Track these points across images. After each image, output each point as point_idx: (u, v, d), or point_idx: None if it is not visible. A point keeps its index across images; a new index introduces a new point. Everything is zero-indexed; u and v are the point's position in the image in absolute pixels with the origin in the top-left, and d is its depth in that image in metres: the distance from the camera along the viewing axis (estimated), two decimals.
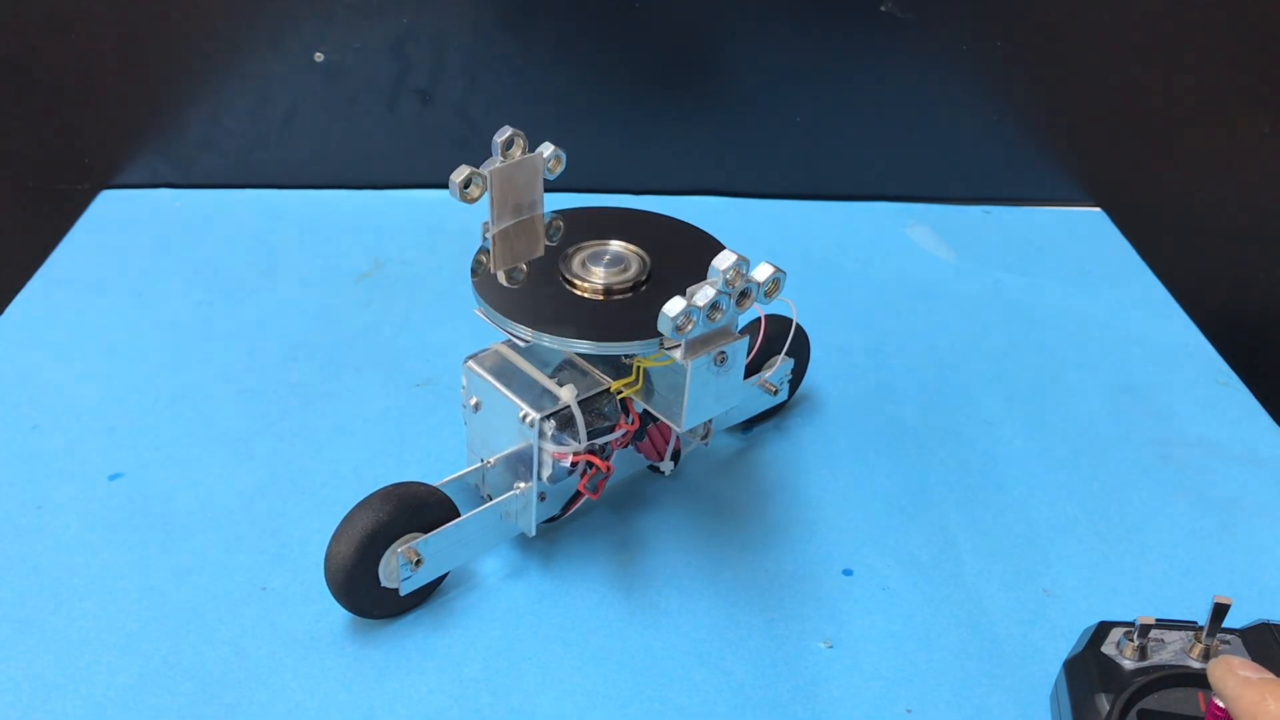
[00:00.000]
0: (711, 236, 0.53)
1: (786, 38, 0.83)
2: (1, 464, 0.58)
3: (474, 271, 0.50)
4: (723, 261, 0.43)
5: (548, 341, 0.47)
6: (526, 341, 0.48)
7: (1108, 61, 0.84)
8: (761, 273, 0.45)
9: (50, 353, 0.67)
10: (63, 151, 0.85)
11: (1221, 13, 0.81)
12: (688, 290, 0.43)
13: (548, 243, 0.52)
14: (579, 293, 0.50)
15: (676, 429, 0.48)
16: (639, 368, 0.48)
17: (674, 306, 0.42)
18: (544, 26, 0.82)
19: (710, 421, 0.56)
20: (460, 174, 0.48)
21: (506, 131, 0.49)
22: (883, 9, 0.81)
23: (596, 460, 0.49)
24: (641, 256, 0.51)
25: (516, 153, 0.50)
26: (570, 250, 0.51)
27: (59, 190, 0.86)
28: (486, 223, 0.52)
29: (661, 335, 0.45)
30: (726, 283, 0.43)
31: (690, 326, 0.43)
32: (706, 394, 0.46)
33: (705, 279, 0.44)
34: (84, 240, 0.80)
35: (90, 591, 0.51)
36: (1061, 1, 0.81)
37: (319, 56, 0.82)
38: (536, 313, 0.48)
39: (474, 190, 0.49)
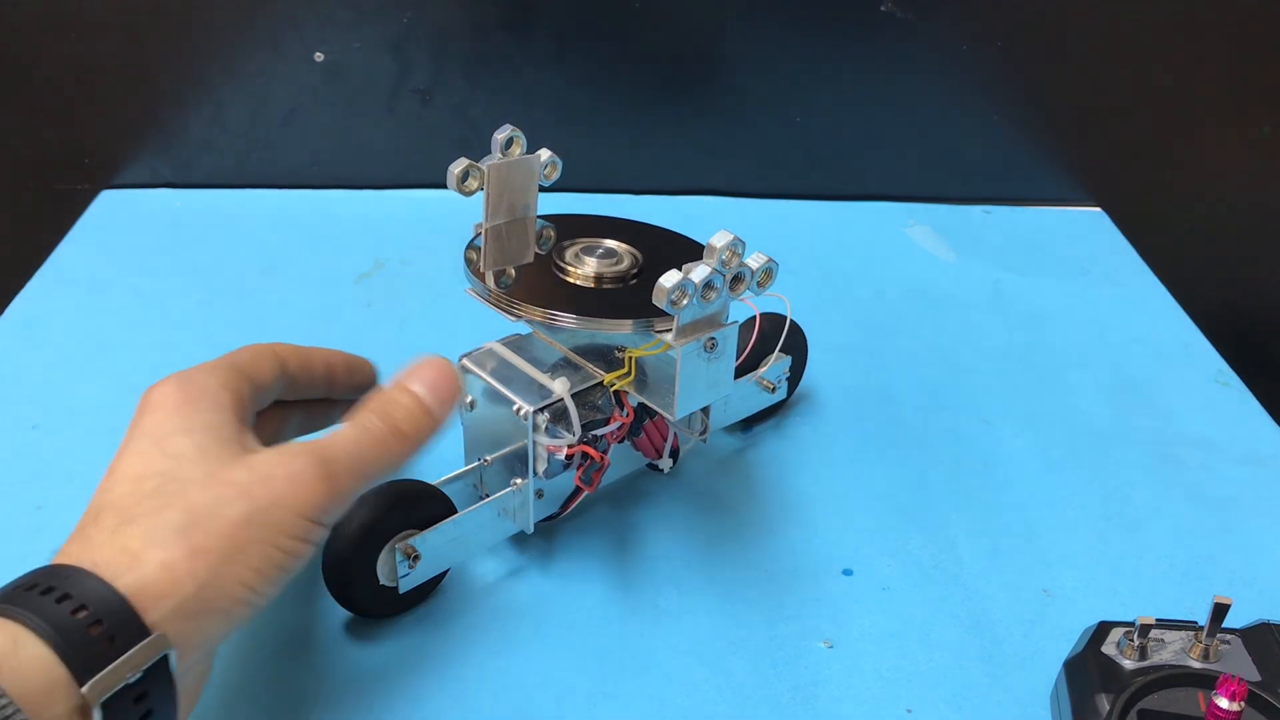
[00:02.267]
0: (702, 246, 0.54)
1: (786, 38, 0.83)
2: (1, 464, 0.58)
3: (468, 261, 0.51)
4: (720, 240, 0.43)
5: (542, 317, 0.47)
6: (516, 317, 0.48)
7: (1108, 61, 0.84)
8: (755, 260, 0.45)
9: (50, 353, 0.67)
10: (63, 151, 0.85)
11: (1222, 13, 0.81)
12: (684, 267, 0.43)
13: (538, 250, 0.53)
14: (570, 280, 0.50)
15: (669, 418, 0.48)
16: (631, 358, 0.48)
17: (670, 278, 0.43)
18: (544, 26, 0.82)
19: (708, 418, 0.56)
20: (459, 165, 0.49)
21: (507, 130, 0.50)
22: (883, 9, 0.81)
23: (591, 450, 0.49)
24: (634, 254, 0.52)
25: (515, 151, 0.51)
26: (565, 243, 0.52)
27: (59, 190, 0.86)
28: (479, 223, 0.52)
29: (652, 319, 0.45)
30: (722, 262, 0.43)
31: (685, 302, 0.43)
32: (698, 381, 0.46)
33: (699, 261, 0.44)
34: (84, 240, 0.80)
35: None
36: (1061, 1, 0.81)
37: (319, 56, 0.82)
38: (526, 292, 0.48)
39: (471, 183, 0.50)
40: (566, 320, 0.47)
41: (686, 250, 0.54)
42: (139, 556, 0.34)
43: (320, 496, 0.38)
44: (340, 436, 0.41)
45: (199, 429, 0.39)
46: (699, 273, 0.43)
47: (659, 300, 0.43)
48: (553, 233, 0.54)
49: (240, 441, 0.39)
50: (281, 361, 0.45)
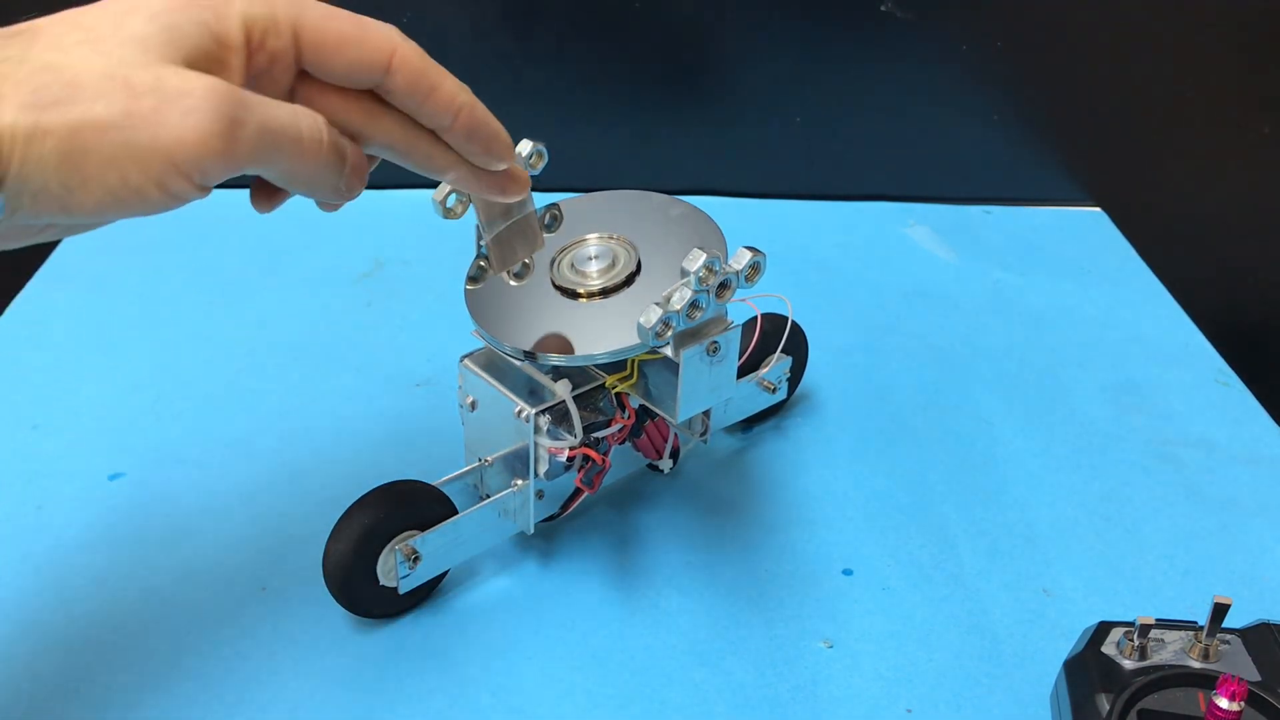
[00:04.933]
0: (703, 213, 0.52)
1: (786, 38, 0.83)
2: (1, 464, 0.58)
3: (474, 279, 0.50)
4: (692, 263, 0.42)
5: (559, 363, 0.46)
6: (522, 360, 0.47)
7: (1108, 61, 0.84)
8: (739, 260, 0.44)
9: (50, 353, 0.67)
10: None
11: (1221, 13, 0.81)
12: (664, 295, 0.43)
13: (547, 234, 0.52)
14: (573, 299, 0.49)
15: (672, 421, 0.48)
16: (633, 361, 0.48)
17: (650, 317, 0.42)
18: (544, 26, 0.82)
19: (709, 419, 0.56)
20: (440, 193, 0.48)
21: None
22: (883, 9, 0.81)
23: (592, 452, 0.49)
24: (628, 248, 0.51)
25: None
26: (556, 254, 0.51)
27: None
28: (479, 225, 0.51)
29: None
30: (700, 281, 0.43)
31: (670, 332, 0.43)
32: (700, 385, 0.46)
33: (679, 283, 0.43)
34: (84, 240, 0.80)
35: (90, 591, 0.51)
36: (1061, 1, 0.81)
37: None
38: (535, 329, 0.47)
39: (457, 207, 0.48)
40: (588, 361, 0.46)
41: (677, 222, 0.52)
42: None
43: (206, 154, 0.32)
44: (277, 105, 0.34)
45: (136, 38, 0.32)
46: (678, 299, 0.42)
47: (643, 338, 0.42)
48: (559, 212, 0.53)
49: (171, 56, 0.33)
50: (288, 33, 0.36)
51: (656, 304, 0.42)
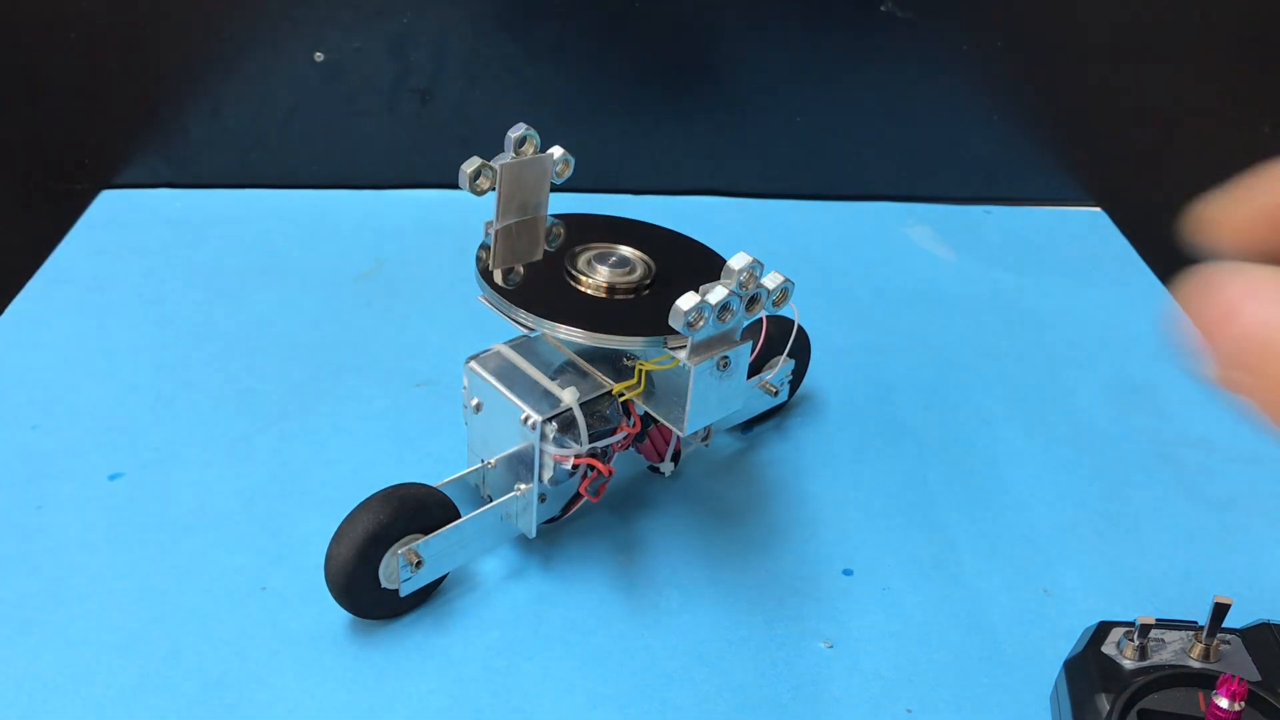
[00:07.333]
0: (715, 252, 0.53)
1: (786, 38, 0.83)
2: (1, 464, 0.58)
3: (480, 259, 0.50)
4: (738, 262, 0.43)
5: (551, 330, 0.47)
6: (529, 330, 0.48)
7: (1108, 61, 0.84)
8: (772, 280, 0.45)
9: (50, 353, 0.67)
10: (63, 151, 0.85)
11: (1221, 13, 0.81)
12: (701, 288, 0.43)
13: (547, 248, 0.52)
14: (582, 289, 0.50)
15: (679, 433, 0.48)
16: (641, 370, 0.48)
17: (687, 301, 0.42)
18: (544, 26, 0.82)
19: (711, 424, 0.56)
20: (471, 165, 0.49)
21: (520, 128, 0.49)
22: (883, 9, 0.81)
23: (598, 464, 0.49)
24: (648, 262, 0.51)
25: (529, 150, 0.50)
26: (578, 248, 0.51)
27: (59, 190, 0.86)
28: (490, 221, 0.51)
29: (665, 337, 0.45)
30: (740, 284, 0.43)
31: (701, 324, 0.43)
32: (709, 398, 0.46)
33: (716, 282, 0.44)
34: (84, 240, 0.80)
35: (90, 591, 0.51)
36: (1061, 1, 0.81)
37: (319, 56, 0.82)
38: (538, 303, 0.48)
39: (483, 182, 0.49)
40: (578, 335, 0.46)
41: (699, 256, 0.53)
42: None
43: None
44: None
45: None
46: (716, 294, 0.43)
47: (675, 323, 0.42)
48: (562, 230, 0.53)
49: None
50: None
51: (694, 292, 0.43)
